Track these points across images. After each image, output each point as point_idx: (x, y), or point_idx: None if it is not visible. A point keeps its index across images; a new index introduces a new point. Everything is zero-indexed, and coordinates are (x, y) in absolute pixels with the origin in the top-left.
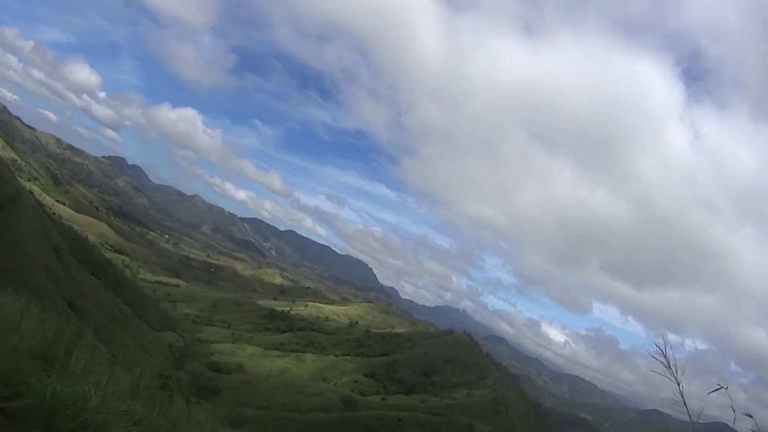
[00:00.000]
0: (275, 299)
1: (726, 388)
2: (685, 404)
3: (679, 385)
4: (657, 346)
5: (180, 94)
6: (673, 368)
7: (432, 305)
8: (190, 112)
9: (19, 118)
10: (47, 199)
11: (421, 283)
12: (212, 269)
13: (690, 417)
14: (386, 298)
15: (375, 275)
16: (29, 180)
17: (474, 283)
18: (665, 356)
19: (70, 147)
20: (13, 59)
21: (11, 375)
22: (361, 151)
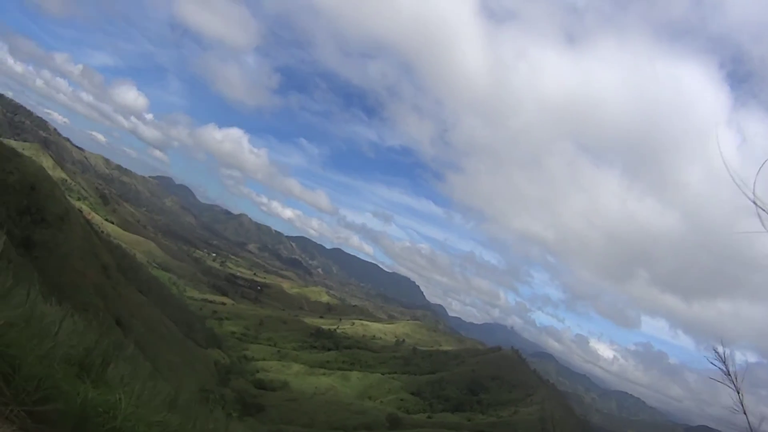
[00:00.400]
0: (321, 317)
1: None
2: (745, 413)
3: (738, 393)
4: (715, 350)
5: (225, 114)
6: (732, 375)
7: (480, 322)
8: (235, 132)
9: (69, 140)
10: (96, 218)
11: (469, 300)
12: (259, 287)
13: (750, 428)
14: (433, 316)
15: (422, 293)
16: (78, 199)
17: (522, 299)
18: (724, 362)
19: (119, 167)
20: (63, 83)
21: (43, 379)
22: (406, 168)
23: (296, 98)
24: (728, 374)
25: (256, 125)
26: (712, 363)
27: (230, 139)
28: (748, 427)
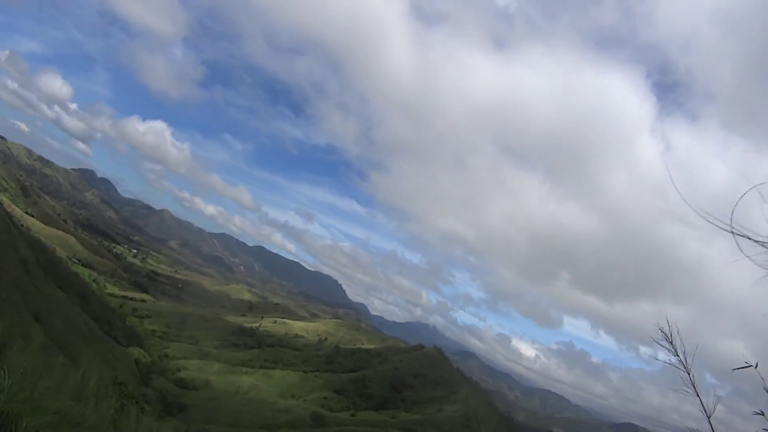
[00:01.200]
0: (243, 315)
1: (755, 366)
2: (698, 395)
3: (689, 373)
4: (661, 330)
5: (150, 106)
6: (681, 356)
7: (402, 321)
8: (159, 125)
9: None
10: (16, 211)
11: (391, 299)
12: (180, 284)
13: (705, 410)
14: (356, 315)
15: (344, 291)
16: None
17: (444, 299)
18: (671, 342)
19: (41, 158)
20: None
21: None
22: (330, 166)
23: (222, 92)
24: (677, 354)
25: (180, 118)
26: (657, 342)
27: (153, 132)
28: (702, 408)
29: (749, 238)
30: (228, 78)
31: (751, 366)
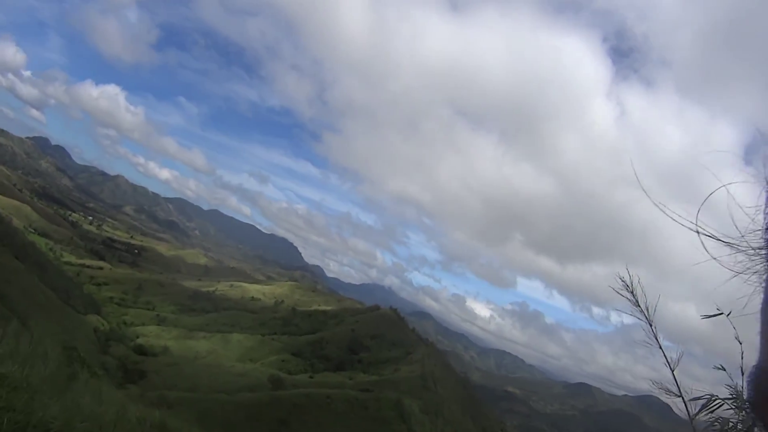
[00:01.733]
0: (200, 280)
1: (728, 315)
2: (661, 347)
3: (651, 325)
4: (621, 280)
5: (103, 70)
6: (643, 307)
7: (358, 283)
8: (112, 89)
9: None
10: None
11: (347, 261)
12: (136, 251)
13: (669, 363)
14: (312, 277)
15: (300, 254)
16: None
17: (399, 260)
18: (632, 292)
19: None
20: None
21: None
22: (284, 129)
23: (176, 55)
24: (637, 305)
25: (134, 82)
26: (617, 293)
27: (107, 97)
28: (665, 361)
29: (716, 239)
30: (182, 40)
31: (722, 314)
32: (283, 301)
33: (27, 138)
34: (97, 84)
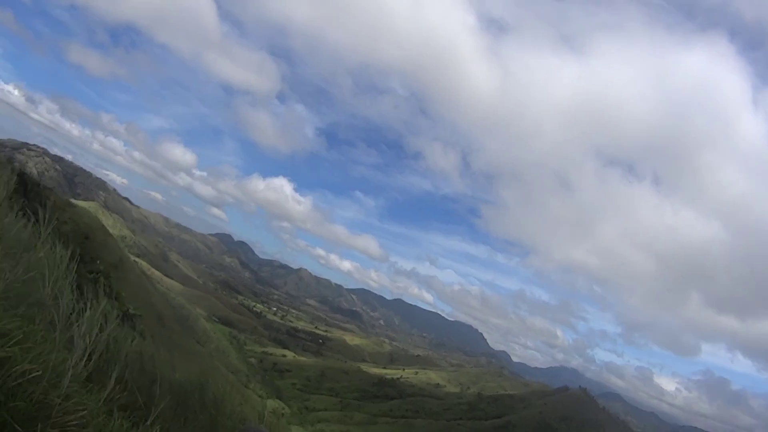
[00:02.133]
0: (384, 368)
1: None
2: None
3: None
4: None
5: (269, 164)
6: None
7: (544, 366)
8: (280, 181)
9: (128, 199)
10: (155, 274)
11: (531, 344)
12: (320, 340)
13: None
14: (498, 363)
15: (485, 339)
16: (138, 256)
17: (579, 336)
18: None
19: (178, 225)
20: (117, 144)
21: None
22: (445, 209)
23: (324, 143)
24: None
25: (300, 174)
26: None
27: (275, 189)
28: None
29: None
30: (332, 129)
31: None
32: (468, 387)
33: (210, 235)
34: (264, 177)
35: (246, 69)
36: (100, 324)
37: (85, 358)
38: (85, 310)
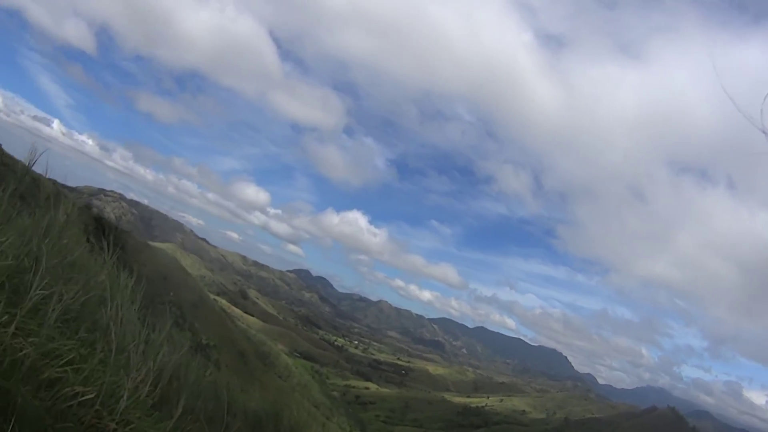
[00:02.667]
0: (469, 396)
1: None
2: None
3: None
4: None
5: (342, 198)
6: None
7: (630, 387)
8: (354, 215)
9: (205, 240)
10: (236, 311)
11: (617, 364)
12: (403, 371)
13: None
14: (583, 386)
15: (570, 363)
16: (218, 294)
17: (665, 353)
18: None
19: (256, 263)
20: (191, 186)
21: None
22: (522, 232)
23: (398, 173)
24: None
25: (372, 205)
26: None
27: (349, 222)
28: None
29: None
30: (402, 159)
31: None
32: (555, 412)
33: (288, 271)
34: (338, 211)
35: (311, 106)
36: (166, 350)
37: (148, 384)
38: (150, 336)
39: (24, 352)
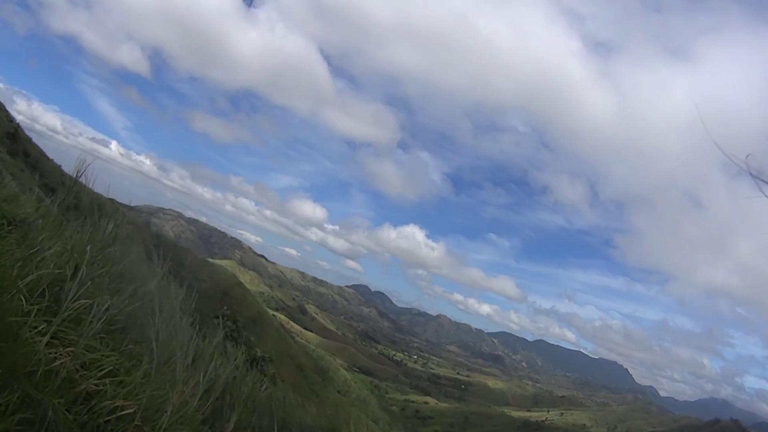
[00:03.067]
0: (529, 411)
1: None
2: None
3: None
4: None
5: (399, 212)
6: None
7: (693, 399)
8: (411, 229)
9: (264, 256)
10: (294, 327)
11: (678, 376)
12: (462, 385)
13: None
14: (645, 398)
15: (631, 375)
16: (277, 310)
17: (727, 364)
18: None
19: (314, 279)
20: (249, 204)
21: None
22: (581, 243)
23: (453, 186)
24: None
25: (429, 219)
26: None
27: (406, 237)
28: None
29: None
30: (458, 173)
31: None
32: (616, 426)
33: (347, 286)
34: (395, 226)
35: (365, 121)
36: (218, 363)
37: (198, 398)
38: (200, 348)
39: (60, 362)
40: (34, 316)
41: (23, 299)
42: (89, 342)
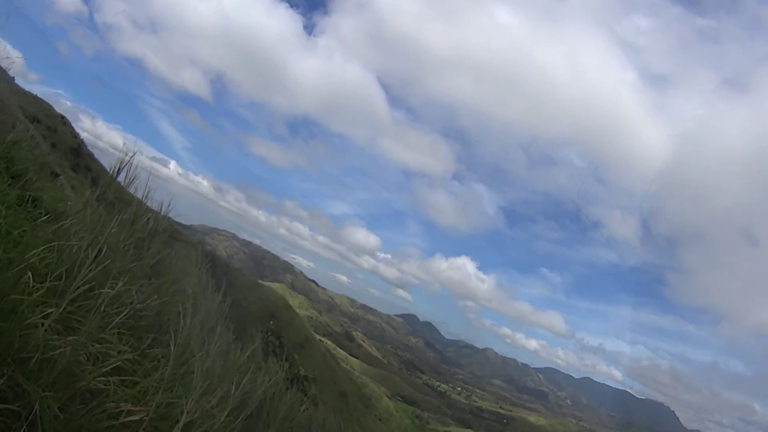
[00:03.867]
0: None
1: None
2: None
3: None
4: None
5: (451, 243)
6: None
7: None
8: (462, 260)
9: (314, 281)
10: (340, 353)
11: (726, 420)
12: (504, 420)
13: None
14: None
15: (677, 417)
16: (324, 335)
17: None
18: None
19: (364, 306)
20: (303, 229)
21: None
22: (634, 281)
23: (506, 219)
24: None
25: (481, 251)
26: None
27: (458, 269)
28: None
29: None
30: (512, 205)
31: None
32: None
33: (396, 315)
34: (446, 257)
35: (421, 152)
36: (255, 377)
37: (226, 412)
38: (232, 357)
39: (58, 351)
40: (43, 299)
41: (31, 276)
42: (103, 335)
